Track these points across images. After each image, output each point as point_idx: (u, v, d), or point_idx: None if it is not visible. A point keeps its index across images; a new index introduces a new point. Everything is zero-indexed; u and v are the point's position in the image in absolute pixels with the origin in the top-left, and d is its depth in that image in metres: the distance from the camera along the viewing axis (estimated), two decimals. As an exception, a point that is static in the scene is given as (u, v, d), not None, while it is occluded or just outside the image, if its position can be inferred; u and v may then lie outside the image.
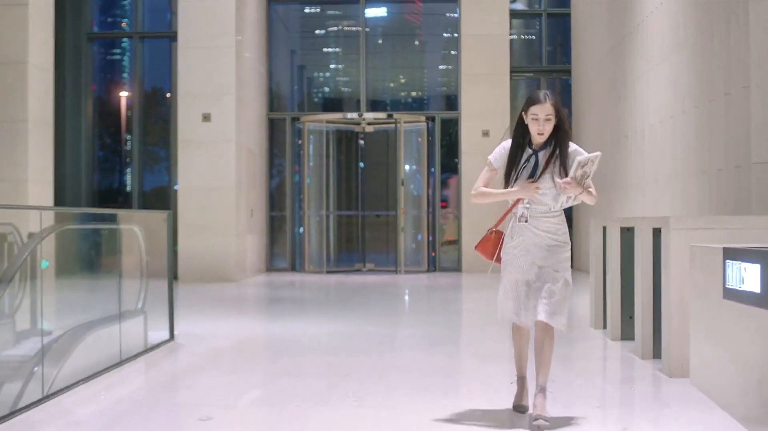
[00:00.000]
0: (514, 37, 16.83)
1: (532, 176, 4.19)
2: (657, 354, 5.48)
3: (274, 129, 15.64)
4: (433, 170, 15.50)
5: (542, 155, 4.22)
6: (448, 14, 16.55)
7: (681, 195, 9.18)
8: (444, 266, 15.48)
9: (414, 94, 17.23)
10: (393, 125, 15.37)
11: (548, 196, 4.18)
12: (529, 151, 4.25)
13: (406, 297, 11.29)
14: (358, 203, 15.73)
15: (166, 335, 6.68)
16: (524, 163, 4.24)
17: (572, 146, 4.26)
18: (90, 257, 6.63)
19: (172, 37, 14.11)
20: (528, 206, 4.22)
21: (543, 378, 4.13)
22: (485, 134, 15.11)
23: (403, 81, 17.23)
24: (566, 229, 4.28)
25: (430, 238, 15.56)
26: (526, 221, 4.21)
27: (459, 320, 9.14)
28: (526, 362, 4.35)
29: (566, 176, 4.11)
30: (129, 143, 15.06)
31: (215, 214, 12.90)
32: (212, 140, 13.02)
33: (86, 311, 6.05)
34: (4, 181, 10.29)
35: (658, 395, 4.87)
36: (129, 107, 15.03)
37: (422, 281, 13.56)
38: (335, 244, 15.62)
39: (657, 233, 5.38)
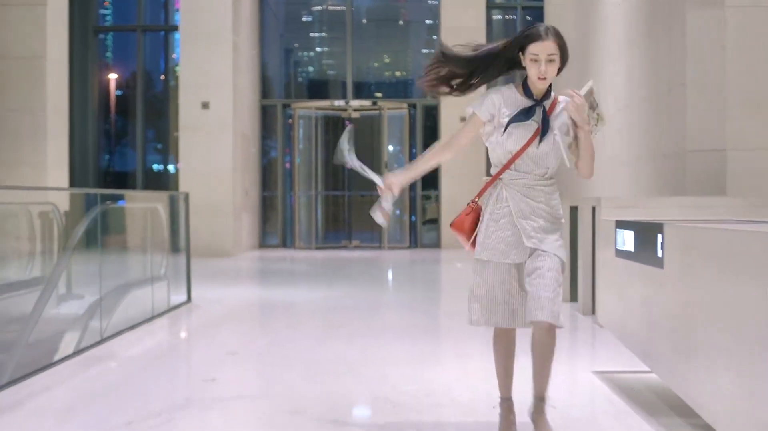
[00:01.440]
0: (493, 25, 17.97)
1: (544, 133, 3.34)
2: (594, 310, 6.73)
3: (266, 115, 16.77)
4: (414, 152, 16.68)
5: (547, 105, 3.39)
6: (431, 2, 17.65)
7: (635, 177, 10.41)
8: (425, 243, 16.70)
9: (398, 78, 18.36)
10: (378, 112, 16.54)
11: (550, 156, 3.37)
12: (524, 101, 3.38)
13: (390, 269, 12.50)
14: (344, 184, 16.92)
15: (184, 298, 7.87)
16: (525, 113, 3.36)
17: (562, 99, 3.44)
18: (123, 231, 7.79)
19: (168, 30, 15.16)
20: (517, 170, 3.37)
21: (543, 387, 3.36)
22: (463, 119, 16.26)
23: (387, 70, 18.37)
24: (559, 202, 3.46)
25: (413, 217, 16.78)
26: (517, 191, 3.37)
27: (436, 287, 10.38)
28: (512, 378, 3.52)
29: (571, 130, 3.39)
30: (133, 127, 16.15)
31: (214, 194, 14.03)
32: (211, 127, 14.14)
33: (123, 277, 7.20)
34: (28, 165, 11.38)
35: (576, 329, 6.12)
36: (130, 91, 16.09)
37: (404, 256, 14.78)
38: (323, 222, 16.82)
39: (594, 210, 6.61)
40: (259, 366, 5.21)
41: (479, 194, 3.45)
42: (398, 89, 18.15)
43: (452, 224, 3.48)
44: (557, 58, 3.30)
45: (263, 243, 16.63)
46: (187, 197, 8.02)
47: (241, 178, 14.85)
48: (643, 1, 10.10)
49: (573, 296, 7.64)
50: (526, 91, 3.38)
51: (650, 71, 9.85)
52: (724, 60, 7.96)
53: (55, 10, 11.87)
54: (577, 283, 7.26)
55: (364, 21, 17.65)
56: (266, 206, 16.80)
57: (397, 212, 16.63)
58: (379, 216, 3.39)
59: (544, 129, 3.33)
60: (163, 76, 16.19)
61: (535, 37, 3.29)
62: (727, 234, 2.92)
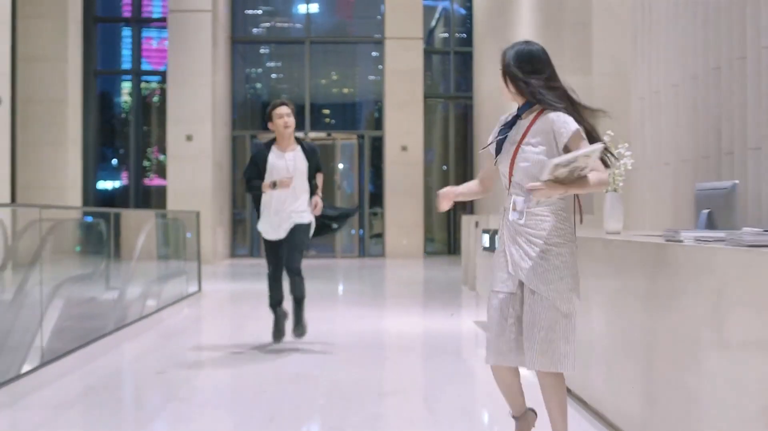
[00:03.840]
0: (429, 69, 21.11)
1: (499, 147, 3.30)
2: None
3: (236, 144, 19.64)
4: (363, 176, 19.66)
5: (524, 121, 3.26)
6: (374, 54, 20.72)
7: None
8: (372, 253, 19.69)
9: (349, 113, 21.39)
10: (332, 141, 19.55)
11: (530, 175, 3.16)
12: (512, 116, 3.34)
13: (343, 272, 15.47)
14: (303, 203, 19.87)
15: (196, 288, 10.75)
16: (506, 132, 3.31)
17: (553, 116, 3.17)
18: (157, 238, 10.65)
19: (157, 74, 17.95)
20: (513, 193, 3.25)
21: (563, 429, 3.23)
22: (404, 148, 19.31)
23: (339, 106, 21.38)
24: (559, 227, 3.18)
25: (361, 231, 19.76)
26: (509, 217, 3.26)
27: (380, 284, 13.40)
28: (520, 397, 3.39)
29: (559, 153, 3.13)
30: (127, 153, 18.88)
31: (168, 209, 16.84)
32: (193, 156, 16.97)
33: (160, 270, 10.05)
34: (51, 189, 14.13)
35: (465, 295, 9.19)
36: (125, 124, 18.85)
37: (355, 263, 17.76)
38: (285, 235, 19.72)
39: (476, 223, 9.68)
40: (264, 326, 8.16)
41: None
42: (348, 122, 21.15)
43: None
44: (501, 74, 3.31)
45: (234, 253, 19.46)
46: (198, 214, 10.92)
47: (217, 198, 17.70)
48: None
49: (465, 281, 10.69)
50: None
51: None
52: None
53: (74, 21, 14.59)
54: (467, 269, 10.32)
55: (317, 72, 20.64)
56: (236, 223, 19.62)
57: (352, 230, 19.58)
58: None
59: (502, 142, 3.27)
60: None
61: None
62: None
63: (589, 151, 2.97)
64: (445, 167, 20.96)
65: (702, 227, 3.84)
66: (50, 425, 4.40)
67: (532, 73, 3.24)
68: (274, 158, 6.38)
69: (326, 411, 4.66)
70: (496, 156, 3.31)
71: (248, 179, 6.43)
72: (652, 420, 3.41)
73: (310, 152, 6.50)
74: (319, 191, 6.48)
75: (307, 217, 6.34)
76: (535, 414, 3.46)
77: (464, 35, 21.01)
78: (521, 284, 3.22)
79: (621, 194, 4.65)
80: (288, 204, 6.30)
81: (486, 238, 7.13)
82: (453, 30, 21.18)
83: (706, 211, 3.88)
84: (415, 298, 11.22)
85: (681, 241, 3.20)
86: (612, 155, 3.27)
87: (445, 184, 17.69)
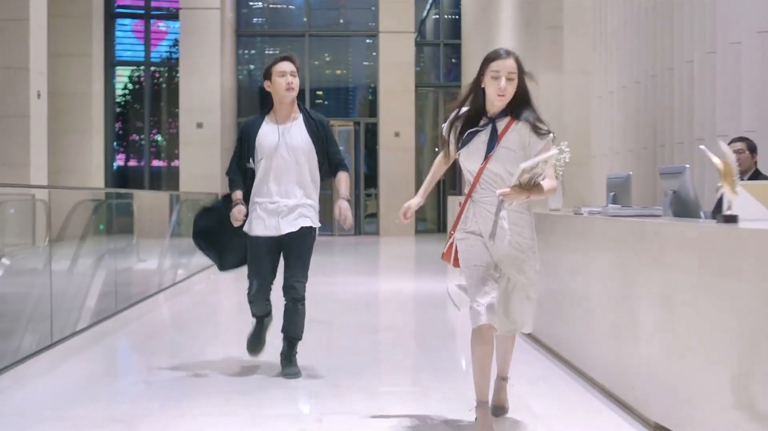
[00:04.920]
0: (419, 69, 22.59)
1: (490, 149, 3.47)
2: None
3: (241, 130, 21.11)
4: (358, 160, 21.17)
5: (501, 124, 3.48)
6: (369, 46, 22.18)
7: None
8: (367, 232, 21.24)
9: (345, 102, 22.88)
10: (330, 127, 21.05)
11: (505, 177, 3.44)
12: (484, 119, 3.53)
13: (341, 248, 17.04)
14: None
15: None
16: (475, 133, 3.51)
17: (528, 119, 3.49)
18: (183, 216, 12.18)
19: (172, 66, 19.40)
20: (483, 189, 3.52)
21: (506, 368, 3.84)
22: (396, 134, 20.80)
23: (336, 94, 22.87)
24: (531, 228, 3.60)
25: (357, 211, 21.30)
26: (484, 209, 3.52)
27: (375, 256, 14.98)
28: (488, 381, 3.54)
29: (526, 157, 3.40)
30: (140, 139, 20.38)
31: (205, 192, 18.36)
32: (204, 142, 18.45)
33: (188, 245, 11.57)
34: (78, 172, 15.62)
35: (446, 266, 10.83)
36: (141, 114, 20.33)
37: (351, 240, 19.32)
38: (286, 215, 21.26)
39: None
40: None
41: (455, 225, 3.60)
42: (345, 109, 22.64)
43: (442, 257, 3.81)
44: (516, 77, 3.42)
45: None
46: (217, 196, 12.42)
47: (226, 180, 19.16)
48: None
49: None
50: (484, 112, 3.50)
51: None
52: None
53: (96, 19, 16.05)
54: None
55: (316, 63, 22.10)
56: (240, 203, 21.12)
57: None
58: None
59: (490, 147, 3.43)
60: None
61: (495, 57, 3.45)
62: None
63: (547, 157, 3.27)
64: (437, 149, 22.47)
65: (608, 205, 5.40)
66: (136, 353, 5.97)
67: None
68: (265, 132, 4.72)
69: (340, 340, 6.24)
70: (458, 150, 3.60)
71: (229, 175, 4.98)
72: (561, 337, 5.03)
73: (316, 124, 4.76)
74: (346, 191, 4.92)
75: (315, 219, 4.81)
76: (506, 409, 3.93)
77: (453, 29, 22.48)
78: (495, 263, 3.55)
79: (561, 180, 6.21)
80: (289, 195, 4.72)
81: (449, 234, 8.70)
82: (443, 23, 22.63)
83: (612, 194, 5.43)
84: (406, 268, 12.82)
85: (581, 214, 4.77)
86: (561, 166, 3.49)
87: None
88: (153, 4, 20.40)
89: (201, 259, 11.68)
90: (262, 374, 4.90)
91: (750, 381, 2.77)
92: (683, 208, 3.94)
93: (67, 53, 15.61)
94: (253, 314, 5.01)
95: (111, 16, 19.00)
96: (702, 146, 3.75)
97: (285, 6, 22.38)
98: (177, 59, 18.99)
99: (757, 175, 5.33)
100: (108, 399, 4.38)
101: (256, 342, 5.00)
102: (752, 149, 5.40)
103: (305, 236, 4.75)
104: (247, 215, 4.75)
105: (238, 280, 10.62)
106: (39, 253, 8.12)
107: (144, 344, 6.35)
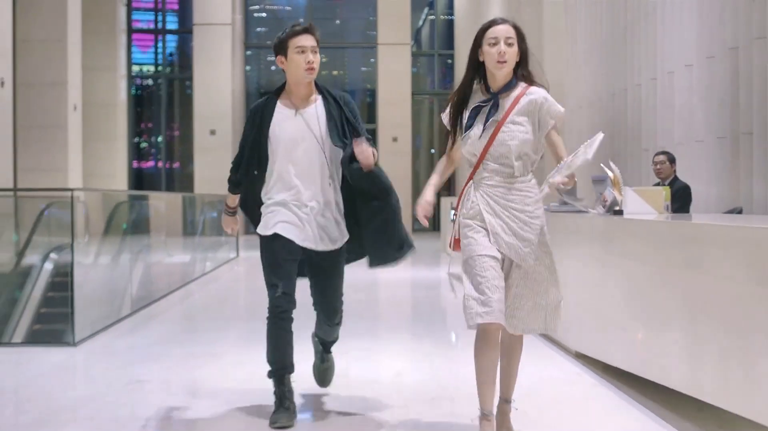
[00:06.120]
0: (415, 70, 24.14)
1: (493, 125, 3.21)
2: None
3: (249, 136, 22.65)
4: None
5: (504, 101, 3.24)
6: (368, 56, 23.75)
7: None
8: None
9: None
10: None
11: (512, 152, 3.20)
12: (486, 94, 3.29)
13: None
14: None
15: (235, 254, 13.84)
16: (478, 110, 3.25)
17: (542, 93, 3.24)
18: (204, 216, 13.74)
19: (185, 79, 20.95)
20: (485, 170, 3.26)
21: (511, 389, 3.38)
22: (394, 139, 22.33)
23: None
24: (540, 204, 3.29)
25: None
26: (486, 191, 3.23)
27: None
28: (495, 388, 3.22)
29: (538, 129, 3.24)
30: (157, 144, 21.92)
31: (218, 194, 19.89)
32: (216, 147, 19.98)
33: (212, 241, 13.13)
34: (106, 177, 17.15)
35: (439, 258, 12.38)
36: (159, 121, 21.88)
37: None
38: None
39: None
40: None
41: (458, 204, 3.34)
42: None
43: (452, 247, 3.40)
44: (515, 42, 3.21)
45: (248, 231, 22.51)
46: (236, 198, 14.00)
47: (236, 183, 20.72)
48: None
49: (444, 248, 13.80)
50: (487, 87, 3.28)
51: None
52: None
53: (120, 72, 17.66)
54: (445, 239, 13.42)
55: (321, 72, 23.62)
56: (248, 203, 22.70)
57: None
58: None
59: (488, 117, 3.21)
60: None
61: (490, 24, 3.26)
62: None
63: (589, 144, 3.16)
64: (432, 150, 23.97)
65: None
66: (182, 331, 7.55)
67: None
68: (281, 118, 3.91)
69: (348, 312, 7.79)
70: (464, 132, 3.28)
71: (232, 179, 4.16)
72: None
73: (337, 105, 3.92)
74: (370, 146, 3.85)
75: (344, 225, 4.02)
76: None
77: (447, 39, 24.04)
78: (503, 255, 3.22)
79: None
80: (315, 196, 3.89)
81: (452, 213, 10.23)
82: (437, 34, 24.19)
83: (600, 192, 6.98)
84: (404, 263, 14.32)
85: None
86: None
87: (432, 164, 20.88)
88: (168, 19, 21.96)
89: (222, 254, 13.24)
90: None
91: (631, 319, 4.34)
92: (608, 206, 5.50)
93: (97, 67, 17.13)
94: (274, 370, 3.89)
95: (130, 32, 20.54)
96: (602, 164, 5.30)
97: (289, 19, 23.95)
98: (191, 71, 20.50)
99: (675, 180, 6.88)
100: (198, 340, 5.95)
101: (283, 413, 3.81)
102: (672, 160, 6.96)
103: (341, 249, 4.01)
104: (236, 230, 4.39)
105: (255, 270, 12.11)
106: (91, 247, 9.63)
107: (203, 312, 7.92)
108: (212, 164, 19.99)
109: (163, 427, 3.95)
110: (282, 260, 3.89)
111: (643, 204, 4.81)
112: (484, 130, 3.26)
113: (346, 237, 4.02)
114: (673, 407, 3.97)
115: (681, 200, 6.54)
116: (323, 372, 4.33)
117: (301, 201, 3.88)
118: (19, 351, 5.95)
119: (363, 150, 3.77)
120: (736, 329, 3.23)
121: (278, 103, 3.96)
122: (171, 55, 22.29)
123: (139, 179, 21.72)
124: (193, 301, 8.99)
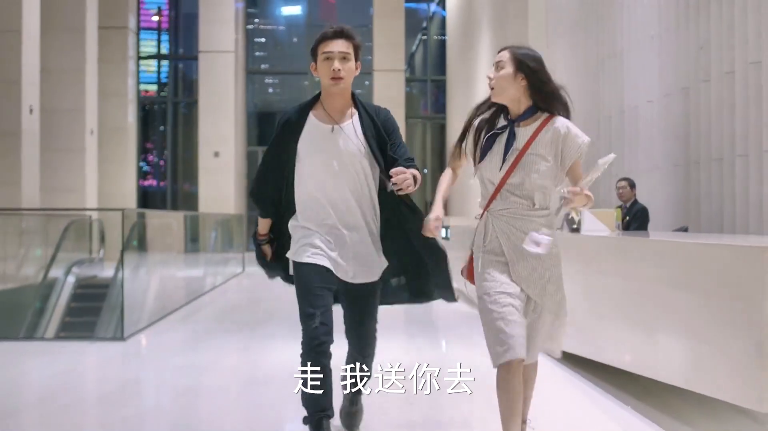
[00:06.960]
0: (408, 89, 25.24)
1: (510, 156, 3.12)
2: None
3: (250, 158, 23.69)
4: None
5: (524, 130, 3.14)
6: (366, 83, 24.83)
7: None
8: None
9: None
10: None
11: (526, 184, 3.12)
12: (502, 122, 3.17)
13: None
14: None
15: (242, 269, 14.83)
16: (494, 138, 3.15)
17: (565, 123, 3.15)
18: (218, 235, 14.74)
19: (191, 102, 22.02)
20: (503, 200, 3.18)
21: (527, 410, 3.36)
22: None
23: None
24: (556, 235, 3.26)
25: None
26: (505, 222, 3.17)
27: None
28: (519, 421, 3.14)
29: (560, 165, 3.14)
30: (164, 163, 22.92)
31: (222, 211, 20.90)
32: (219, 169, 20.97)
33: (221, 257, 14.13)
34: (116, 162, 18.12)
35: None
36: (163, 144, 22.89)
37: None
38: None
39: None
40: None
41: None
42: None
43: (467, 277, 3.33)
44: (507, 66, 3.16)
45: (250, 248, 23.52)
46: (241, 216, 15.00)
47: (238, 202, 21.76)
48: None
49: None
50: (505, 113, 3.15)
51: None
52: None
53: (131, 97, 18.70)
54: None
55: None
56: (250, 223, 23.68)
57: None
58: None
59: (507, 149, 3.10)
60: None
61: (501, 49, 3.27)
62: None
63: (604, 162, 3.05)
64: (426, 170, 25.01)
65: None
66: (212, 332, 8.57)
67: (550, 81, 3.13)
68: (314, 134, 3.58)
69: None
70: (480, 161, 3.17)
71: (254, 196, 3.84)
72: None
73: (373, 122, 3.60)
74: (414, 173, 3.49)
75: (381, 252, 3.70)
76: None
77: (439, 65, 25.16)
78: (521, 288, 3.16)
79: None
80: (353, 223, 3.61)
81: (444, 231, 11.26)
82: (430, 61, 25.32)
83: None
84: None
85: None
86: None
87: (425, 184, 21.93)
88: (172, 47, 23.03)
89: (230, 269, 14.25)
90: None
91: (595, 318, 5.37)
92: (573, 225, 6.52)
93: (110, 93, 18.14)
94: (310, 415, 3.48)
95: (138, 58, 21.59)
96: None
97: (288, 47, 25.05)
98: (196, 95, 21.56)
99: (635, 203, 7.93)
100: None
101: None
102: (632, 185, 8.01)
103: (375, 287, 3.73)
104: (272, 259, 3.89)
105: (262, 282, 12.74)
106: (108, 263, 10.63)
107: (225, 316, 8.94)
108: (216, 185, 21.01)
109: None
110: (318, 288, 3.53)
111: (597, 223, 5.85)
112: (504, 160, 3.16)
113: (385, 265, 3.69)
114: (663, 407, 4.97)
115: (639, 220, 7.58)
116: (352, 416, 3.92)
117: (336, 228, 3.55)
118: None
119: (397, 172, 3.36)
120: (652, 315, 4.28)
121: (310, 115, 3.57)
122: (176, 80, 23.34)
123: (145, 198, 22.72)
124: (213, 307, 9.99)
